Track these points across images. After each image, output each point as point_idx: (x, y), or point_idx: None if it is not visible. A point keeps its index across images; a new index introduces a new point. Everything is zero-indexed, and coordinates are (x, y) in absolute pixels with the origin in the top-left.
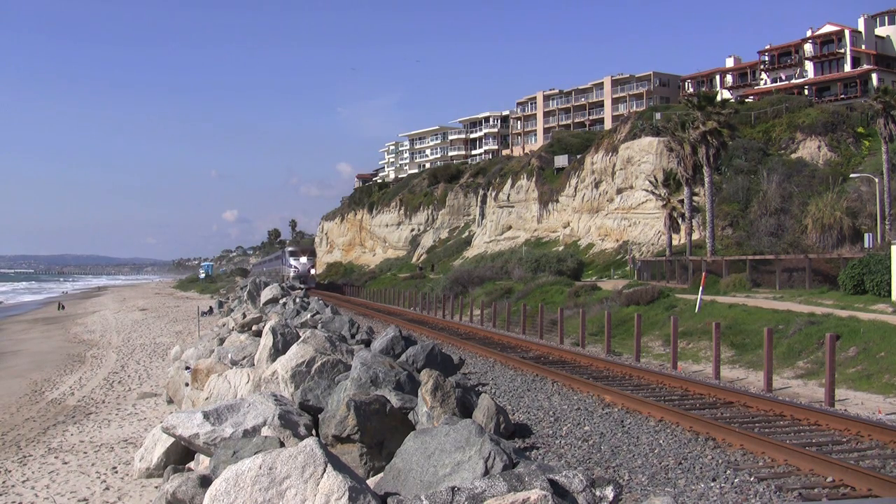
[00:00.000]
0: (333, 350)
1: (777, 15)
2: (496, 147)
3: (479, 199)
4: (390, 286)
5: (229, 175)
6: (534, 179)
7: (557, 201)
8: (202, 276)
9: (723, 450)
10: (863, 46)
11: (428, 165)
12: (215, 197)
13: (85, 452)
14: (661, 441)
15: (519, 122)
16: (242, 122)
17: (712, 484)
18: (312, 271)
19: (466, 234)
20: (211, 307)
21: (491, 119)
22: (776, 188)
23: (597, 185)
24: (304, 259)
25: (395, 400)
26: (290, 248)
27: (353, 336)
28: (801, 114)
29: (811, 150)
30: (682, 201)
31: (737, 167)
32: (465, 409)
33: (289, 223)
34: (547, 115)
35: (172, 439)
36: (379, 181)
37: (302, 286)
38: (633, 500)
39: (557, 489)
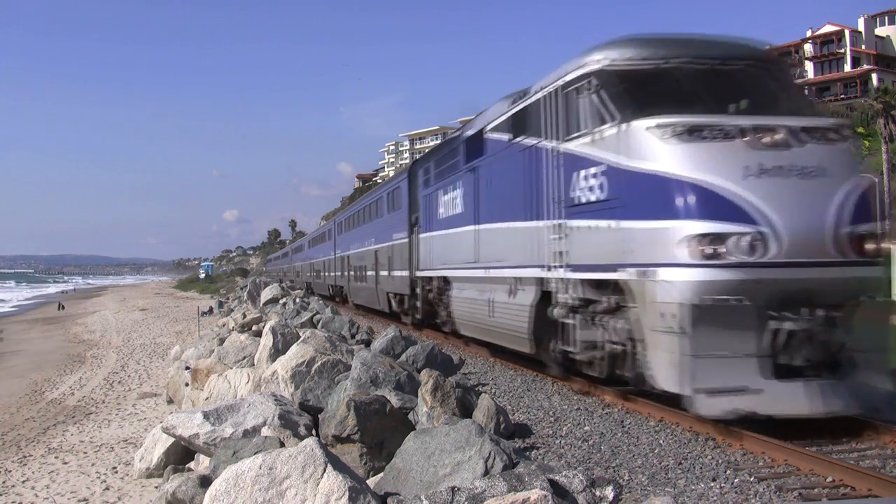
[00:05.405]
0: (333, 350)
1: (777, 15)
2: None
3: None
4: None
5: (230, 175)
6: None
7: None
8: (202, 276)
9: (723, 450)
10: (863, 46)
11: None
12: (215, 197)
13: (85, 452)
14: (661, 441)
15: None
16: (243, 122)
17: (712, 484)
18: None
19: None
20: (211, 307)
21: None
22: None
23: None
24: None
25: (395, 400)
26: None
27: (353, 336)
28: None
29: None
30: None
31: None
32: (465, 409)
33: (289, 223)
34: None
35: (172, 439)
36: (379, 181)
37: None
38: (633, 500)
39: (557, 489)
